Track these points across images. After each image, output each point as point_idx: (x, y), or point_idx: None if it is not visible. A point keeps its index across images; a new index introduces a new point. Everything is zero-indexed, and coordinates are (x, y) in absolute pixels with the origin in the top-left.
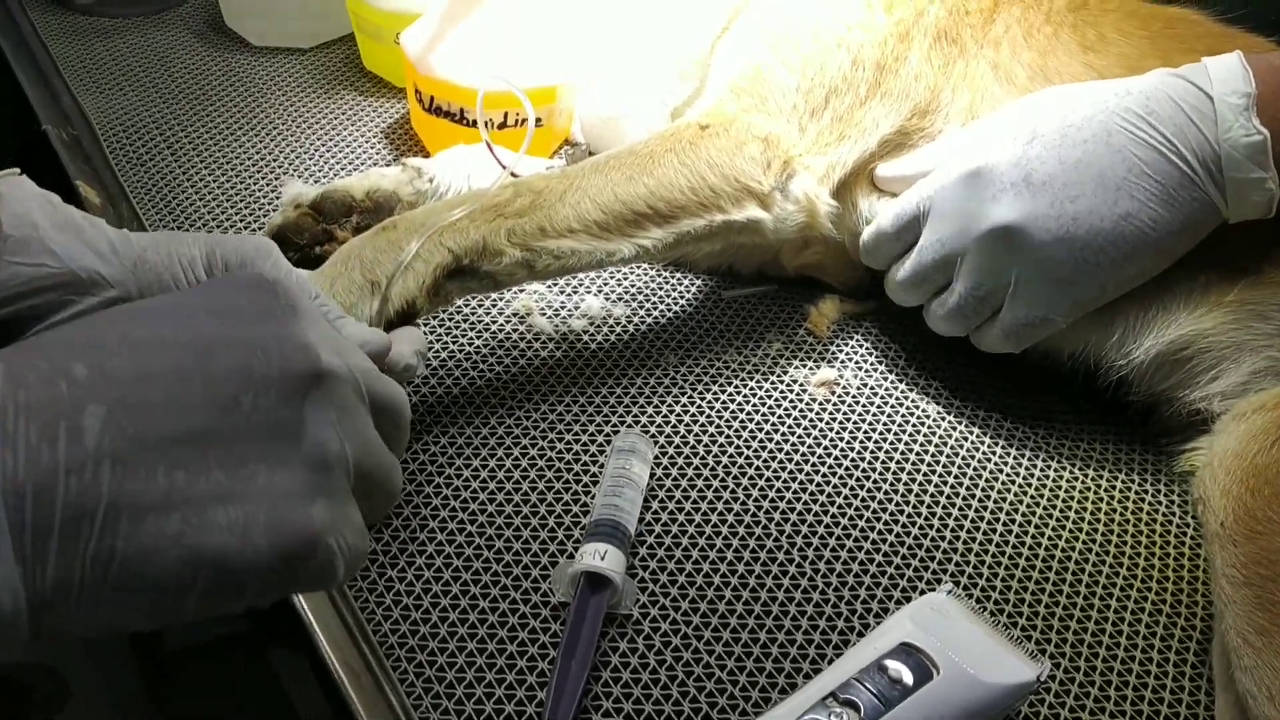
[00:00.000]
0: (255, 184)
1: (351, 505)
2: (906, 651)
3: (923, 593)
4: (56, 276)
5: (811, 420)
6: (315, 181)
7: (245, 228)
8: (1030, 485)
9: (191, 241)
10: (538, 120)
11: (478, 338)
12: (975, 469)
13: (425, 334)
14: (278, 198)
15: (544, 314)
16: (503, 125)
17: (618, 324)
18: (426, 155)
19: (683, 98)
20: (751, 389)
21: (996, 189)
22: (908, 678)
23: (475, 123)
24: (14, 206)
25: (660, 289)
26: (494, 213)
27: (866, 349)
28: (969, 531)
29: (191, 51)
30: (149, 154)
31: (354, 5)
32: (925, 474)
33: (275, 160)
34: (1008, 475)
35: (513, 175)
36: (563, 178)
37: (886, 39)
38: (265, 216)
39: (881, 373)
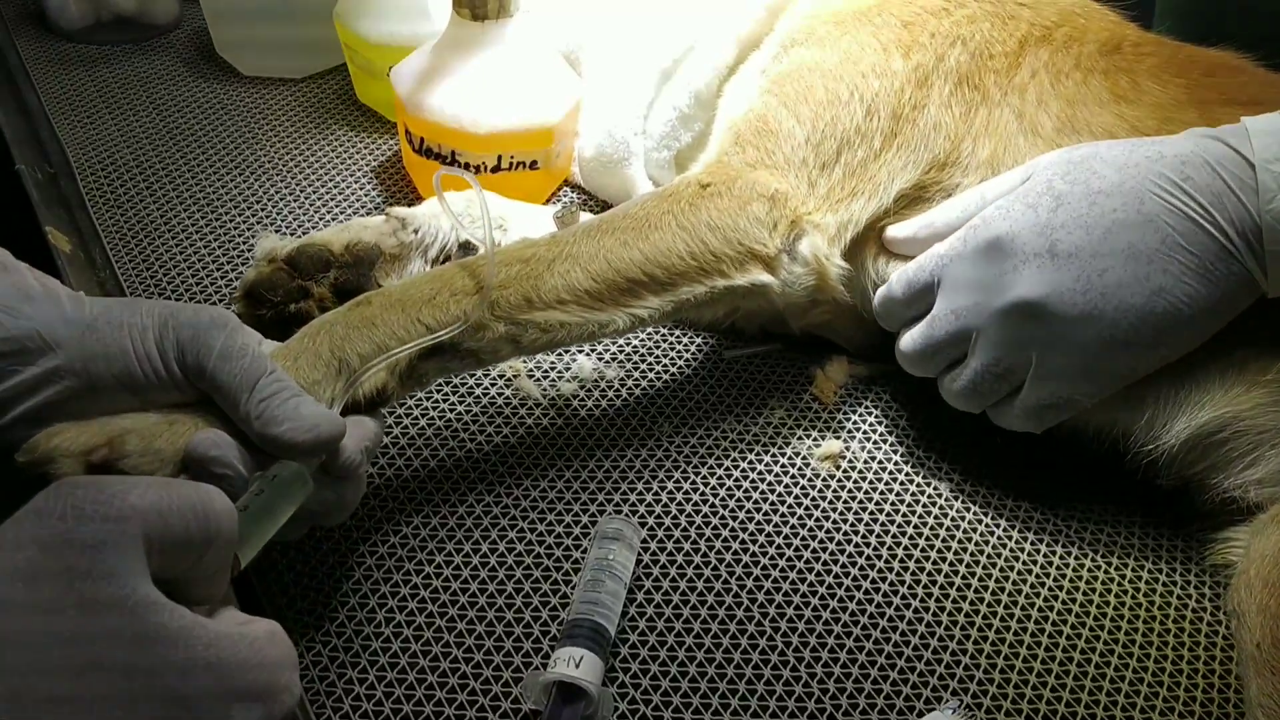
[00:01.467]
0: (236, 229)
1: None
2: None
3: (929, 701)
4: None
5: (814, 499)
6: (301, 229)
7: (223, 278)
8: (1049, 576)
9: (146, 311)
10: (533, 163)
11: (460, 403)
12: (989, 557)
13: (397, 406)
14: None
15: (532, 376)
16: (496, 169)
17: (610, 387)
18: (417, 198)
19: (686, 141)
20: (750, 463)
21: (1018, 260)
22: None
23: (468, 166)
24: None
25: (657, 348)
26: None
27: (876, 417)
28: (980, 630)
29: (179, 81)
30: (127, 194)
31: (346, 36)
32: (935, 562)
33: (259, 203)
34: (1024, 564)
35: (488, 245)
36: (551, 244)
37: (904, 86)
38: (246, 265)
39: (891, 445)
